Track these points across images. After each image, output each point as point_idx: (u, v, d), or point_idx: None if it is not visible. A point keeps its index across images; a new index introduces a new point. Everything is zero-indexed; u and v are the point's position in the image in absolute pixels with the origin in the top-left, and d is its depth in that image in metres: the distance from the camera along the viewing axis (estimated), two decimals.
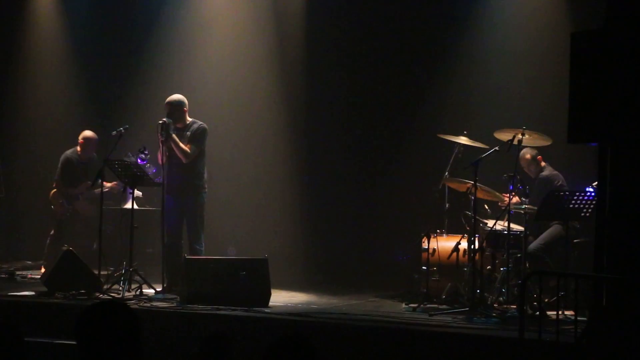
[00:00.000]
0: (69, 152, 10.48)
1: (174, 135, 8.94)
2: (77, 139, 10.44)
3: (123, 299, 8.28)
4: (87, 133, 10.46)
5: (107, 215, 9.33)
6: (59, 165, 10.45)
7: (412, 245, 9.42)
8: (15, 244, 11.82)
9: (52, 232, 10.43)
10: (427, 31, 10.72)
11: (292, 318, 7.69)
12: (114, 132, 9.11)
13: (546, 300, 7.94)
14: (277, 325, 7.52)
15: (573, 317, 6.77)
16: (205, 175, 9.20)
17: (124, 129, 9.08)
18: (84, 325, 3.32)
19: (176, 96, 9.17)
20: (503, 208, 8.49)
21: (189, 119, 9.18)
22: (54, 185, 10.54)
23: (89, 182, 9.73)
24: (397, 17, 10.82)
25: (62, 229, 10.40)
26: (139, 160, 9.12)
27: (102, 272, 8.88)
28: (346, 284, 10.16)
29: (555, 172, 8.93)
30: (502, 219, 8.40)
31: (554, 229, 8.57)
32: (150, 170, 9.21)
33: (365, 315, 8.01)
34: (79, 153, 10.42)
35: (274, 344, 3.45)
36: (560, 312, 6.95)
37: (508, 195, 8.43)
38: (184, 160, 8.99)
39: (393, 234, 10.34)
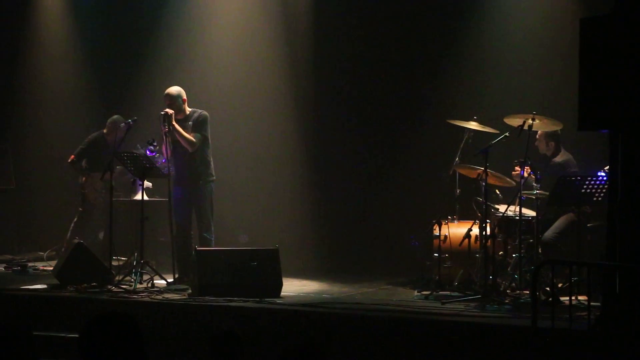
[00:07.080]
0: (95, 134, 10.46)
1: (177, 126, 8.95)
2: (87, 130, 10.46)
3: (135, 291, 8.29)
4: (115, 117, 10.41)
5: (116, 206, 9.30)
6: (83, 144, 10.41)
7: (423, 232, 9.38)
8: (27, 235, 11.82)
9: (75, 219, 10.42)
10: (435, 17, 10.60)
11: (305, 309, 7.66)
12: (123, 124, 9.11)
13: (560, 285, 7.89)
14: (289, 316, 7.51)
15: (586, 303, 6.75)
16: (212, 163, 9.20)
17: (132, 121, 9.08)
18: (88, 339, 3.28)
19: (174, 88, 9.16)
20: (516, 182, 8.42)
21: (189, 109, 9.17)
22: (70, 160, 10.41)
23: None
24: (405, 3, 10.73)
25: (88, 215, 10.43)
26: (147, 152, 9.09)
27: (113, 263, 8.91)
28: (357, 271, 10.14)
29: (569, 157, 8.78)
30: (514, 205, 8.35)
31: (567, 216, 8.49)
32: (160, 161, 9.19)
33: (377, 304, 7.98)
34: (105, 137, 10.40)
35: (286, 353, 3.42)
36: (573, 298, 6.89)
37: (519, 168, 8.33)
38: (189, 149, 8.99)
39: (403, 220, 10.27)
